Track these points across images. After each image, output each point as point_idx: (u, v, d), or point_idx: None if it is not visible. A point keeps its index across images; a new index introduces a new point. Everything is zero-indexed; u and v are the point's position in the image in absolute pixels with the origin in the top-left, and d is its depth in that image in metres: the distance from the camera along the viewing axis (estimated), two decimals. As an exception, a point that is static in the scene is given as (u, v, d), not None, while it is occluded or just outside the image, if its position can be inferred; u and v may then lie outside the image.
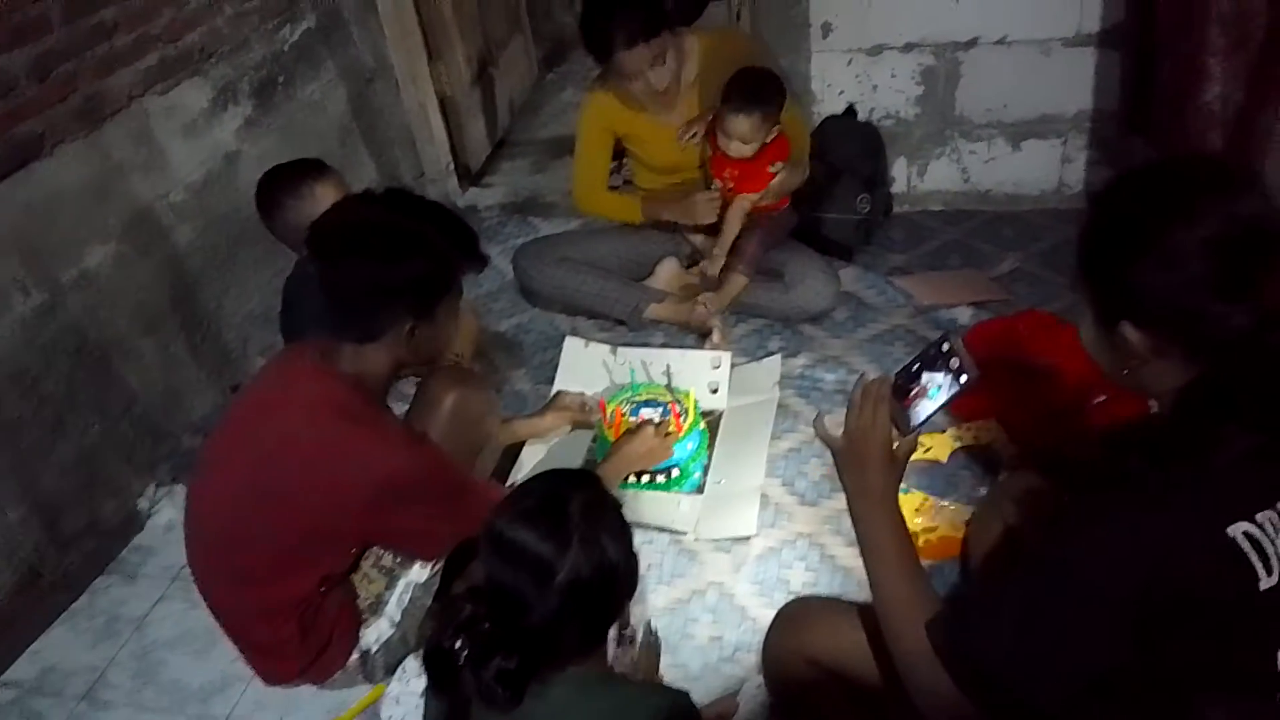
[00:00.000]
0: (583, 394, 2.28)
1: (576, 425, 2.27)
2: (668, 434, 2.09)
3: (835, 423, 1.24)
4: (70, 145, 2.13)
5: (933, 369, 1.18)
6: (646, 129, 2.60)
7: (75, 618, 2.09)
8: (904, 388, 1.20)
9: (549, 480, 1.24)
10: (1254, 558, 0.92)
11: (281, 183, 2.04)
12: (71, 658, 2.00)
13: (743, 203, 2.57)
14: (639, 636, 1.65)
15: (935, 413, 1.17)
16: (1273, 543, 0.93)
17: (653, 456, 2.08)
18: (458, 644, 1.11)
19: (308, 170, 2.05)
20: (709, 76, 2.50)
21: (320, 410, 1.53)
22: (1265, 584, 0.92)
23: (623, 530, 1.18)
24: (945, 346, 1.18)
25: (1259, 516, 0.94)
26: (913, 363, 1.21)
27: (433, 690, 1.15)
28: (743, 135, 2.41)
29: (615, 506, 1.20)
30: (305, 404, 1.55)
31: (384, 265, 1.50)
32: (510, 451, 2.21)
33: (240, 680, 1.87)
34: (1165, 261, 1.00)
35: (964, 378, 1.15)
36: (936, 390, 1.17)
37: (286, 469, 1.53)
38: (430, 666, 1.13)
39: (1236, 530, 0.93)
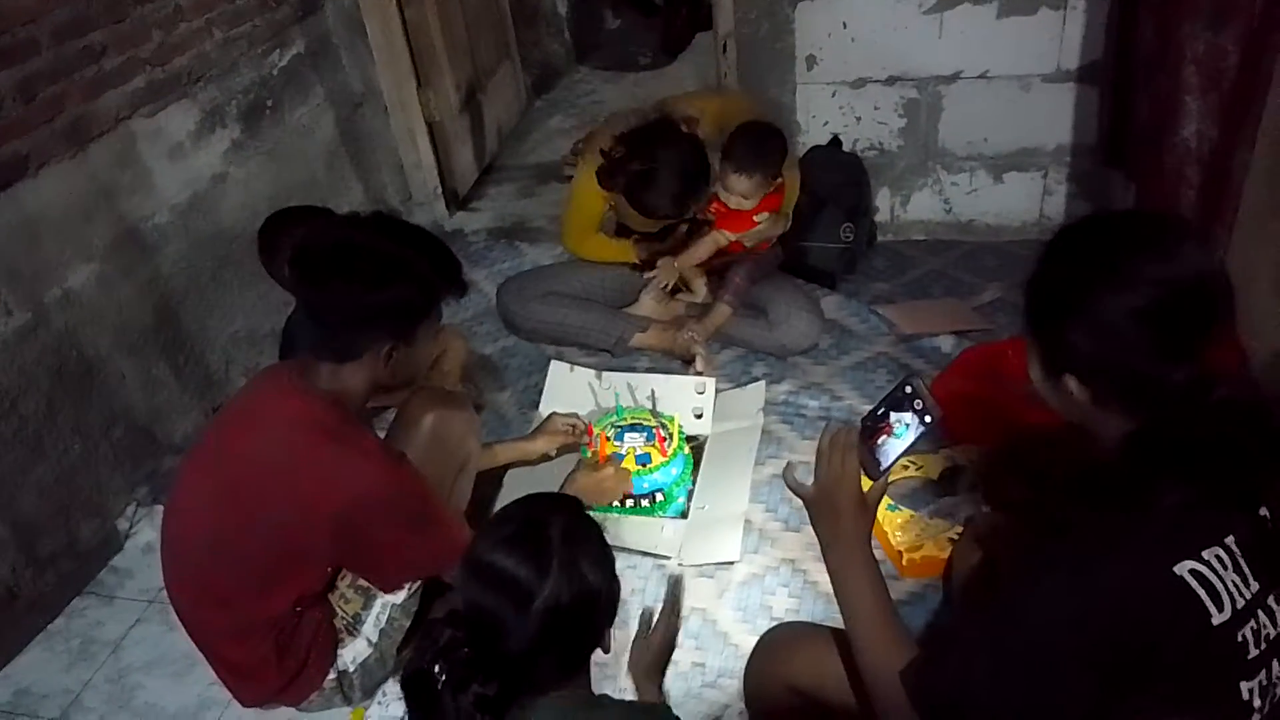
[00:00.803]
0: (575, 416, 2.28)
1: (565, 449, 2.27)
2: (622, 477, 2.09)
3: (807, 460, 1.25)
4: (56, 166, 2.13)
5: (898, 411, 1.19)
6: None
7: (51, 639, 2.07)
8: (872, 430, 1.21)
9: (529, 505, 1.24)
10: (1203, 594, 0.93)
11: (288, 228, 2.06)
12: (46, 680, 1.97)
13: (719, 236, 2.60)
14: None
15: (902, 455, 1.19)
16: (1221, 579, 0.95)
17: (605, 495, 2.08)
18: (437, 669, 1.10)
19: (313, 219, 2.06)
20: (713, 140, 2.52)
21: (297, 427, 1.54)
22: (1218, 620, 0.94)
23: (603, 555, 1.18)
24: (908, 389, 1.19)
25: (1205, 554, 0.95)
26: (878, 407, 1.22)
27: (412, 715, 1.14)
28: (743, 193, 2.45)
29: (596, 531, 1.20)
30: (282, 421, 1.56)
31: (366, 288, 1.52)
32: (494, 476, 2.20)
33: (217, 704, 1.85)
34: (1098, 327, 1.02)
35: (928, 418, 1.16)
36: (904, 430, 1.18)
37: (260, 485, 1.53)
38: (409, 691, 1.13)
39: (1183, 569, 0.94)
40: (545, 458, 2.25)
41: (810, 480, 1.24)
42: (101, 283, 2.25)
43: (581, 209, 2.68)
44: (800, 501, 1.28)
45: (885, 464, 1.19)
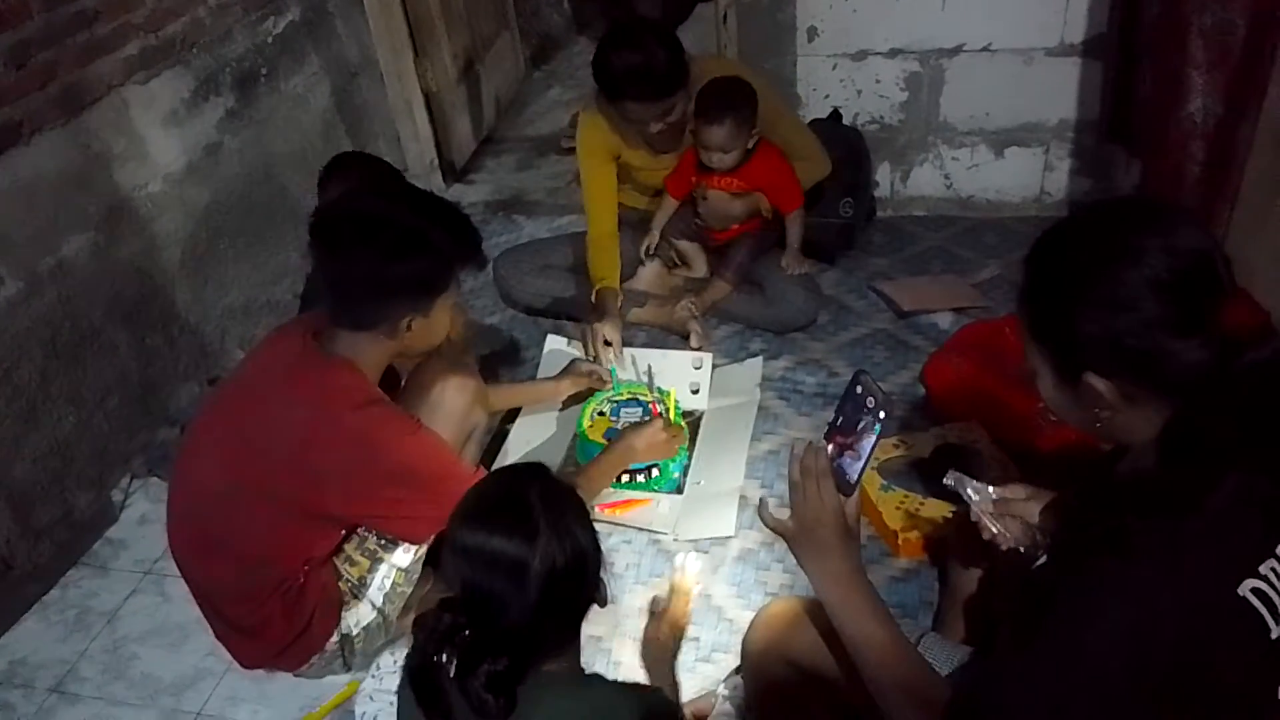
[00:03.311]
0: (597, 361, 2.34)
1: (571, 400, 2.34)
2: (675, 434, 2.09)
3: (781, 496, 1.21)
4: (48, 133, 2.11)
5: (856, 416, 1.15)
6: (640, 159, 2.58)
7: (46, 610, 2.07)
8: (834, 440, 1.17)
9: (502, 478, 1.25)
10: (1265, 611, 0.92)
11: (342, 170, 2.10)
12: (42, 650, 1.98)
13: (763, 203, 2.57)
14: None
15: (868, 460, 1.13)
16: (1278, 591, 0.93)
17: (655, 451, 2.07)
18: (444, 657, 1.09)
19: (380, 179, 2.09)
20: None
21: (315, 392, 1.56)
22: (1275, 632, 0.92)
23: (584, 511, 1.18)
24: (859, 389, 1.15)
25: (1262, 568, 0.93)
26: (836, 415, 1.18)
27: (423, 709, 1.13)
28: (719, 145, 2.39)
29: (572, 490, 1.21)
30: (300, 385, 1.57)
31: (385, 261, 1.54)
32: (492, 449, 2.20)
33: (213, 675, 1.86)
34: (1114, 306, 0.97)
35: (883, 414, 1.12)
36: (867, 434, 1.13)
37: (280, 448, 1.55)
38: (418, 685, 1.11)
39: (1246, 589, 0.92)
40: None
41: (782, 506, 1.19)
42: (95, 252, 2.24)
43: (591, 183, 2.57)
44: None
45: (855, 477, 1.14)
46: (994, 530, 1.36)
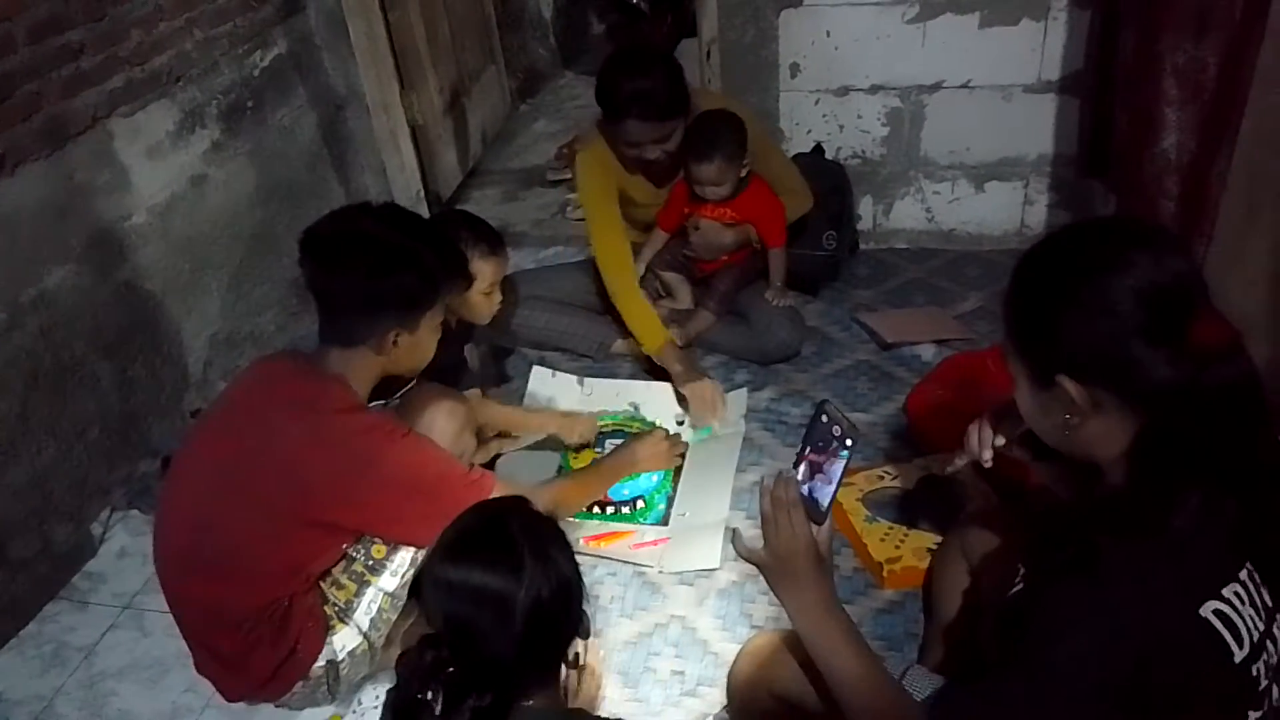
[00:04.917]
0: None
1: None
2: (676, 444, 2.12)
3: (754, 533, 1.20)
4: (32, 165, 2.10)
5: (823, 444, 1.16)
6: (639, 191, 2.60)
7: (23, 645, 2.04)
8: (802, 470, 1.18)
9: (481, 512, 1.25)
10: (1226, 635, 0.93)
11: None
12: (18, 686, 1.95)
13: (749, 233, 2.61)
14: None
15: (838, 487, 1.15)
16: (1241, 616, 0.94)
17: (658, 461, 2.11)
18: (429, 694, 1.08)
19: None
20: None
21: (316, 406, 1.58)
22: (1238, 656, 0.94)
23: (565, 541, 1.19)
24: (824, 418, 1.16)
25: (1226, 591, 0.95)
26: (803, 446, 1.19)
27: None
28: (711, 180, 2.43)
29: (551, 521, 1.21)
30: (299, 399, 1.60)
31: (373, 275, 1.59)
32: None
33: (191, 711, 1.83)
34: (1097, 310, 1.00)
35: (849, 441, 1.13)
36: (834, 462, 1.15)
37: (282, 461, 1.56)
38: None
39: (1208, 610, 0.93)
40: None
41: (757, 540, 1.20)
42: (78, 284, 2.23)
43: (596, 211, 2.54)
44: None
45: (825, 504, 1.15)
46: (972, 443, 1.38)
